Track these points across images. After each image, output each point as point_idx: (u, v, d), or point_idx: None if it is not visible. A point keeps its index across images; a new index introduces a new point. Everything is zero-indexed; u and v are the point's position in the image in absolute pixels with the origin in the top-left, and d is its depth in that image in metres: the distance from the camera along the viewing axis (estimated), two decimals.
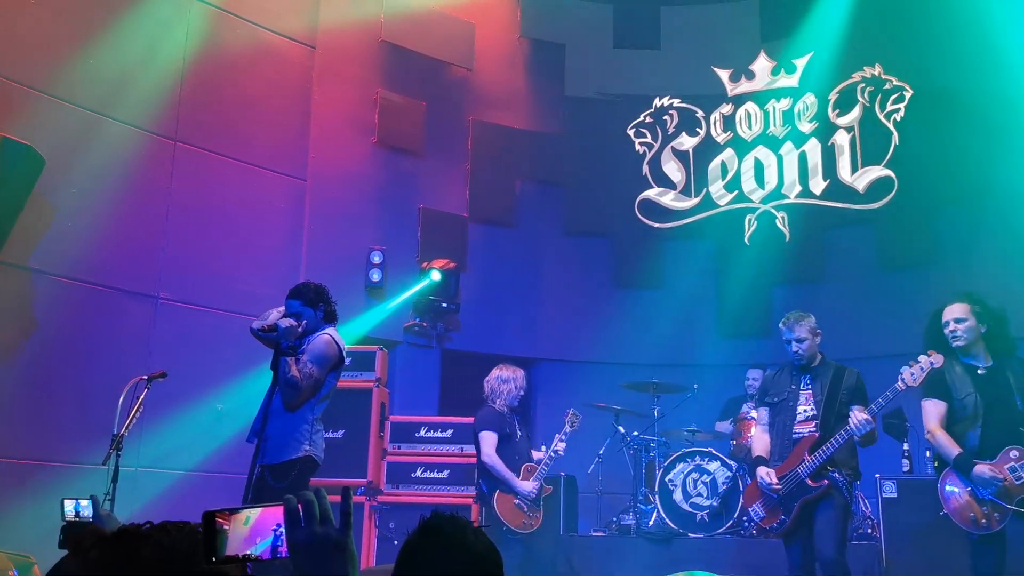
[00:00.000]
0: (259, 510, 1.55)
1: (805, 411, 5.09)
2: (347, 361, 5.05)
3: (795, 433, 5.07)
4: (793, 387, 5.17)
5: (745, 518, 6.94)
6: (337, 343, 4.84)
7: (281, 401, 4.67)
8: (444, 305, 8.67)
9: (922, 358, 4.80)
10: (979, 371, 4.89)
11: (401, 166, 8.97)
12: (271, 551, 1.52)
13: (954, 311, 4.97)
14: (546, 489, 6.17)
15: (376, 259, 8.48)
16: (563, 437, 6.21)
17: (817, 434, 4.97)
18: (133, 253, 6.97)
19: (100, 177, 6.78)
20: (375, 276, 8.45)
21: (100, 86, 6.81)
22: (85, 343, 6.55)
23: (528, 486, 6.05)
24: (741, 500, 6.91)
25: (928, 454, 7.14)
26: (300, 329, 4.69)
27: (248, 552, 1.50)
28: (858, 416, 4.79)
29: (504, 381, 6.30)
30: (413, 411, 8.06)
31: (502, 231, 9.50)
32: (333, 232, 8.38)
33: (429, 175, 9.12)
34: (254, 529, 1.52)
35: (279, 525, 1.52)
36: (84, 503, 3.13)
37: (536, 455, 6.26)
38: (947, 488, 4.87)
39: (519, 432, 6.27)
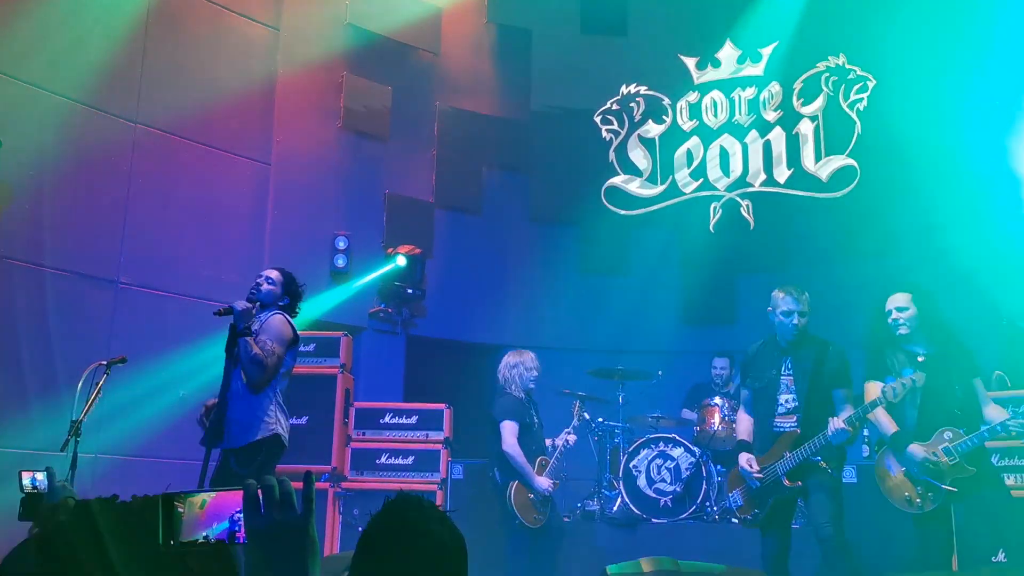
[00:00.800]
0: (215, 494, 1.54)
1: (787, 401, 5.04)
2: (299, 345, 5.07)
3: (776, 426, 5.03)
4: (774, 372, 5.09)
5: (708, 504, 7.01)
6: (290, 322, 4.86)
7: (246, 383, 4.64)
8: (409, 291, 8.63)
9: (905, 377, 4.79)
10: (919, 358, 4.94)
11: (367, 151, 8.90)
12: (227, 535, 1.50)
13: (897, 300, 5.02)
14: (554, 484, 6.18)
15: (341, 244, 8.42)
16: (571, 430, 6.27)
17: (798, 431, 4.94)
18: (93, 237, 6.86)
19: (59, 159, 6.66)
20: (340, 262, 8.40)
21: (61, 68, 6.69)
22: (43, 328, 6.44)
23: (544, 483, 6.08)
24: (704, 485, 6.97)
25: (866, 433, 7.25)
26: (254, 312, 4.68)
27: (204, 535, 1.49)
28: (836, 424, 4.75)
29: (512, 366, 6.30)
30: (378, 397, 8.03)
31: (468, 218, 9.47)
32: (297, 217, 8.31)
33: (395, 160, 9.06)
34: (210, 513, 1.51)
35: (239, 511, 1.51)
36: (40, 476, 3.15)
37: (549, 443, 6.27)
38: (883, 467, 4.95)
39: (536, 420, 6.30)
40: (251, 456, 4.63)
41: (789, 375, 5.06)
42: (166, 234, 7.36)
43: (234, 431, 4.66)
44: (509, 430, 6.10)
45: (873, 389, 4.96)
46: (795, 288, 5.12)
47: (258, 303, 4.79)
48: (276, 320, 4.80)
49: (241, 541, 1.50)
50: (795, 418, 5.00)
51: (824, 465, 4.88)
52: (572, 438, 6.19)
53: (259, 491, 1.50)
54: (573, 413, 6.32)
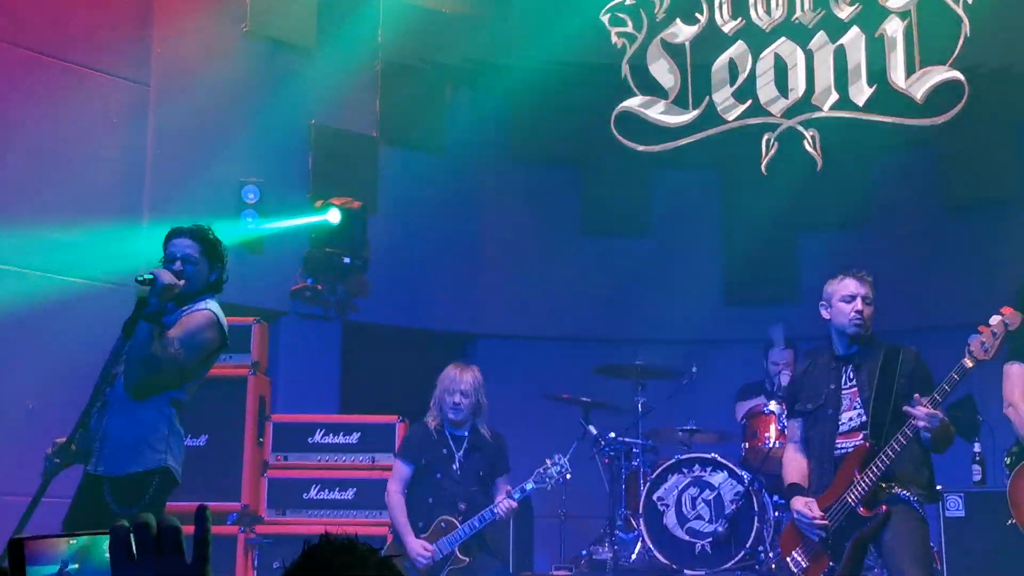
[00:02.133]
0: (87, 539, 1.54)
1: (850, 419, 5.13)
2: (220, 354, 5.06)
3: (838, 448, 5.12)
4: (832, 387, 5.18)
5: (761, 548, 7.05)
6: (220, 323, 4.80)
7: (126, 382, 4.62)
8: (346, 260, 8.61)
9: (993, 319, 4.88)
10: None
11: (284, 66, 8.83)
12: None
13: None
14: (457, 559, 6.15)
15: (250, 197, 8.37)
16: (523, 491, 6.23)
17: (868, 444, 5.01)
18: None
19: None
20: (248, 221, 8.35)
21: None
22: None
23: (414, 548, 6.09)
24: (755, 523, 7.01)
25: (977, 449, 7.29)
26: (176, 290, 4.62)
27: None
28: (923, 408, 4.83)
29: (438, 383, 6.47)
30: (305, 408, 8.01)
31: (426, 157, 9.43)
32: (189, 159, 8.24)
33: (324, 79, 8.99)
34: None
35: (76, 560, 1.52)
36: None
37: (505, 504, 6.14)
38: (1022, 488, 4.99)
39: (457, 464, 6.32)
40: (133, 492, 4.61)
41: (852, 387, 5.17)
42: (7, 186, 7.29)
43: (106, 452, 4.64)
44: (394, 470, 6.41)
45: (1018, 374, 5.00)
46: (858, 270, 5.26)
47: (183, 283, 4.68)
48: (201, 318, 4.73)
49: None
50: (862, 435, 5.08)
51: (904, 492, 4.94)
52: (505, 506, 6.13)
53: (130, 533, 1.49)
54: (544, 469, 6.32)
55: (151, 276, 4.54)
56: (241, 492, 6.96)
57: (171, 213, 7.82)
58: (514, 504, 6.18)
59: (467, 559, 6.19)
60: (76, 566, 1.54)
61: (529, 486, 6.30)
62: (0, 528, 6.58)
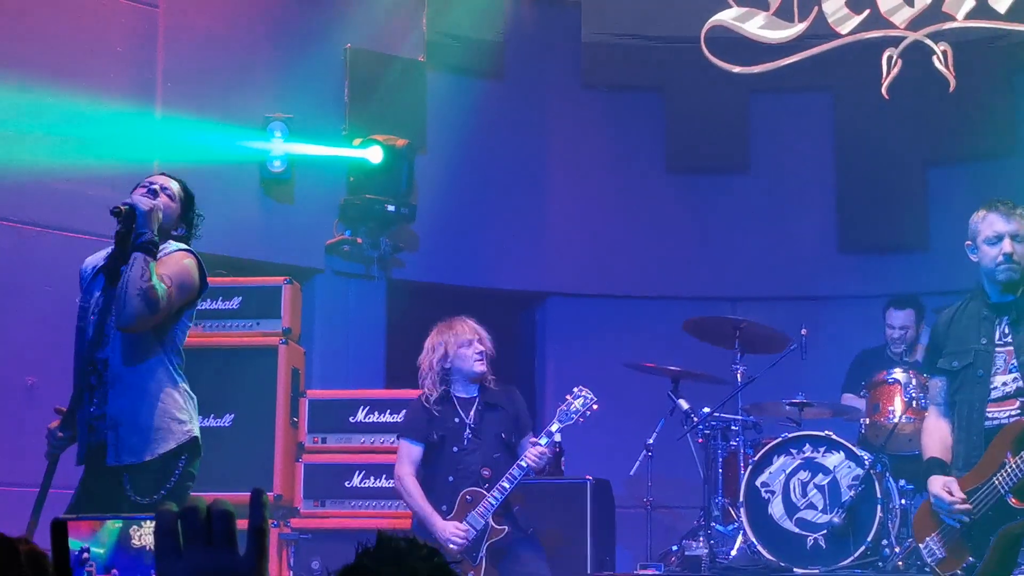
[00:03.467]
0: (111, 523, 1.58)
1: (1004, 383, 5.05)
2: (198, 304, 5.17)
3: (989, 419, 5.05)
4: (984, 342, 5.10)
5: (885, 542, 7.04)
6: (203, 268, 4.98)
7: (118, 323, 4.72)
8: (390, 208, 8.64)
9: None
10: None
11: None
12: None
13: None
14: (495, 531, 6.21)
15: (277, 134, 8.43)
16: (549, 435, 6.26)
17: None
18: None
19: None
20: (276, 163, 8.41)
21: None
22: None
23: (447, 529, 6.14)
24: (878, 513, 7.00)
25: None
26: (159, 215, 4.77)
27: None
28: None
29: (429, 350, 6.50)
30: (345, 383, 8.09)
31: (483, 84, 9.44)
32: (205, 90, 8.31)
33: None
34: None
35: (114, 550, 1.56)
36: None
37: (534, 450, 6.24)
38: None
39: (468, 433, 6.38)
40: (161, 475, 4.72)
41: (1007, 344, 5.08)
42: None
43: (124, 438, 4.74)
44: (399, 454, 6.47)
45: None
46: (1003, 203, 5.12)
47: (162, 204, 4.87)
48: (179, 257, 4.87)
49: None
50: (1019, 403, 5.02)
51: None
52: (533, 454, 6.16)
53: (177, 520, 1.52)
54: (566, 403, 6.34)
55: (128, 205, 4.68)
56: (273, 480, 7.00)
57: (186, 156, 7.91)
58: (543, 448, 6.19)
59: (505, 527, 6.24)
60: (101, 550, 1.59)
61: (554, 427, 6.33)
62: (5, 520, 6.76)
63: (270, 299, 7.20)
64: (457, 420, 6.39)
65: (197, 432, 4.89)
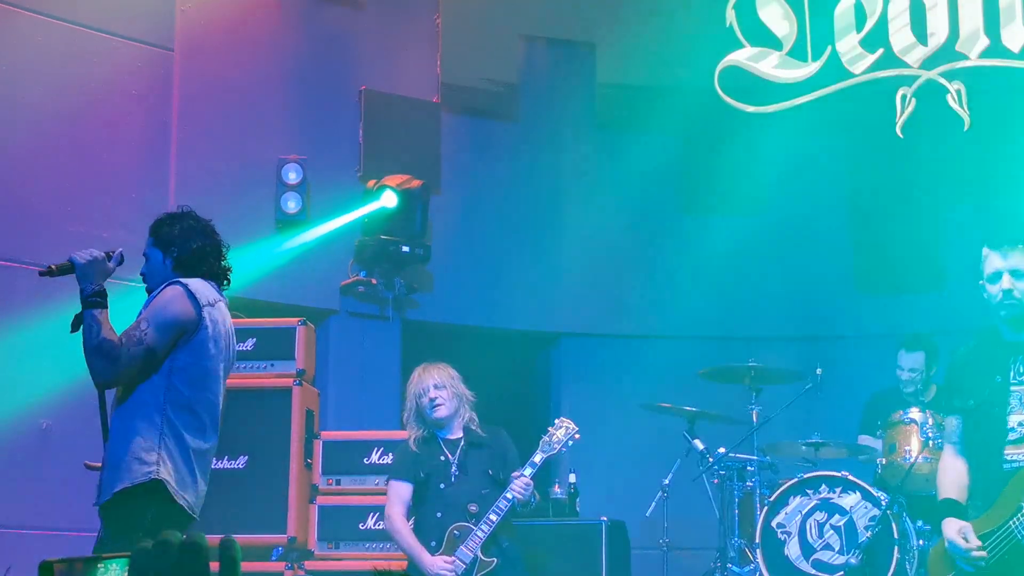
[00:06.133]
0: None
1: (1020, 424, 5.00)
2: (212, 328, 4.89)
3: (1008, 460, 5.00)
4: (999, 380, 5.07)
5: None
6: (191, 295, 4.78)
7: (96, 384, 4.71)
8: (405, 249, 8.66)
9: None
10: None
11: (330, 23, 8.92)
12: None
13: None
14: (483, 563, 6.23)
15: (292, 176, 8.45)
16: (533, 465, 6.29)
17: None
18: None
19: None
20: (290, 204, 8.43)
21: None
22: None
23: (435, 564, 6.20)
24: (895, 554, 6.96)
25: None
26: (112, 265, 4.72)
27: None
28: None
29: (407, 397, 6.62)
30: (358, 424, 8.08)
31: (497, 125, 9.47)
32: (220, 133, 8.35)
33: (375, 37, 9.07)
34: None
35: None
36: None
37: (519, 482, 6.26)
38: None
39: (454, 469, 6.43)
40: (123, 516, 4.60)
41: (1022, 383, 5.05)
42: (16, 168, 7.42)
43: (103, 475, 4.73)
44: (389, 495, 6.54)
45: None
46: (1003, 239, 5.12)
47: (113, 255, 4.80)
48: (165, 292, 4.77)
49: None
50: None
51: None
52: (519, 485, 6.21)
53: (150, 557, 1.53)
54: (550, 435, 6.39)
55: (67, 261, 4.66)
56: (287, 522, 6.98)
57: (200, 197, 7.91)
58: (527, 479, 6.25)
59: (494, 559, 6.28)
60: None
61: (538, 457, 6.36)
62: (20, 562, 6.75)
63: (284, 340, 7.21)
64: (443, 458, 6.47)
65: (165, 477, 4.65)
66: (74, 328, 4.67)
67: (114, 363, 4.60)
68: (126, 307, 5.06)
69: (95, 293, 4.63)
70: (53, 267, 4.70)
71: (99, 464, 4.83)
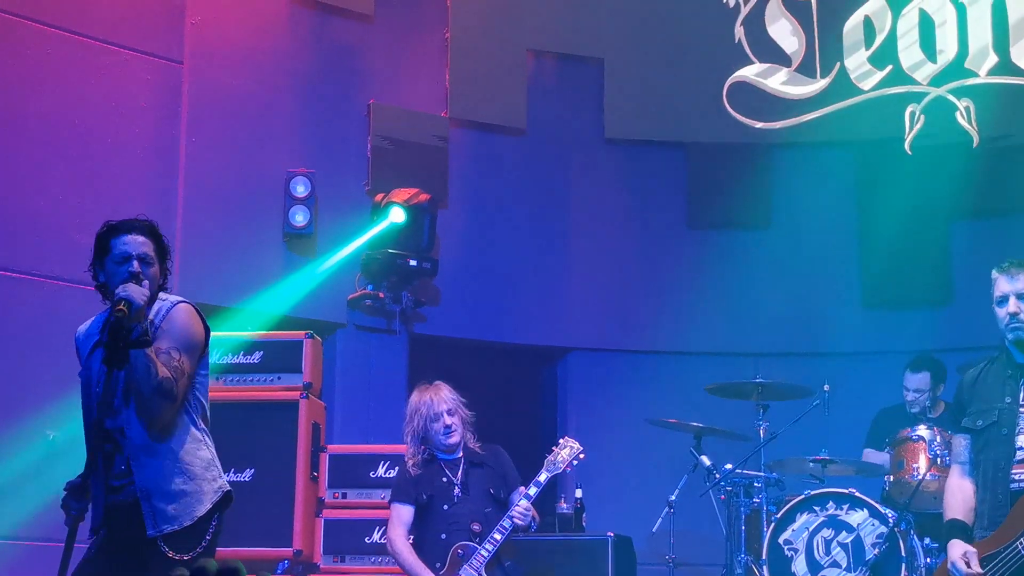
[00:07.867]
0: None
1: None
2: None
3: (1016, 481, 4.99)
4: (1008, 400, 5.06)
5: None
6: (198, 312, 4.80)
7: (143, 425, 4.66)
8: (412, 263, 8.66)
9: None
10: None
11: (339, 37, 8.92)
12: None
13: None
14: None
15: (300, 190, 8.45)
16: (538, 485, 6.30)
17: None
18: None
19: None
20: (298, 218, 8.43)
21: None
22: None
23: None
24: (903, 572, 6.94)
25: None
26: (146, 303, 4.64)
27: None
28: None
29: (407, 418, 6.57)
30: (365, 437, 8.07)
31: (505, 140, 9.47)
32: (228, 147, 8.36)
33: (384, 51, 9.07)
34: None
35: None
36: None
37: (519, 507, 6.27)
38: None
39: (456, 490, 6.42)
40: (196, 536, 4.62)
41: None
42: (23, 183, 7.43)
43: (158, 505, 4.65)
44: (391, 518, 6.51)
45: None
46: (1011, 262, 5.11)
47: (146, 290, 4.71)
48: (182, 313, 4.74)
49: None
50: None
51: None
52: (520, 509, 6.22)
53: None
54: (555, 454, 6.39)
55: (127, 299, 4.47)
56: (293, 536, 7.00)
57: (208, 209, 7.94)
58: (527, 504, 6.26)
59: None
60: None
61: (543, 477, 6.36)
62: (25, 574, 6.76)
63: (291, 353, 7.21)
64: (444, 479, 6.44)
65: (227, 485, 4.79)
66: (118, 366, 4.54)
67: (173, 401, 4.59)
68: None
69: (144, 333, 4.49)
70: (124, 308, 4.52)
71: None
